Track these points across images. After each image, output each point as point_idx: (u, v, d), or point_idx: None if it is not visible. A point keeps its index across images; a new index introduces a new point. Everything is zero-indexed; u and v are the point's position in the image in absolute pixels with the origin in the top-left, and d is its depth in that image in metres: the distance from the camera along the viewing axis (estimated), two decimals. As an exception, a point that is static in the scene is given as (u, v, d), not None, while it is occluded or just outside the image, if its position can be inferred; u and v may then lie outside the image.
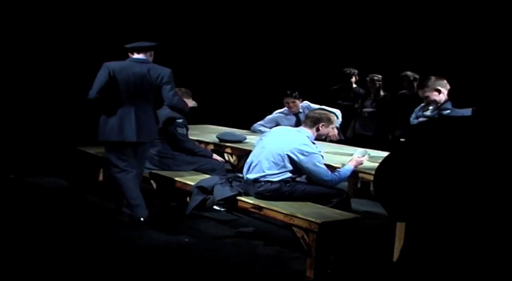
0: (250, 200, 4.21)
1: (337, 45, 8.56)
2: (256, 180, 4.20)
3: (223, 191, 4.28)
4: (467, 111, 2.04)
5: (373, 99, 6.84)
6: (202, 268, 3.91)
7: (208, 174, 5.01)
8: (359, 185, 6.15)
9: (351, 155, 4.49)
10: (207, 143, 5.84)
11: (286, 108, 6.26)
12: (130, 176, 4.66)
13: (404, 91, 6.66)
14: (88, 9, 7.58)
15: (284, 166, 4.16)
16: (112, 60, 4.65)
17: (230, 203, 4.40)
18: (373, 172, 2.08)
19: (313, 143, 4.27)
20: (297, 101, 6.18)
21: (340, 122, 5.53)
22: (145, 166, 5.08)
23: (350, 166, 4.32)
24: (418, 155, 1.87)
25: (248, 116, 6.78)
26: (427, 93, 4.47)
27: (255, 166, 4.25)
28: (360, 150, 4.52)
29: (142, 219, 4.63)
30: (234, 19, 8.88)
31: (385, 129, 6.67)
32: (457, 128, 1.88)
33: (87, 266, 3.80)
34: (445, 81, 4.45)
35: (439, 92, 4.41)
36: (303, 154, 4.12)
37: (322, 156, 4.24)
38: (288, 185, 4.17)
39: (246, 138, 5.76)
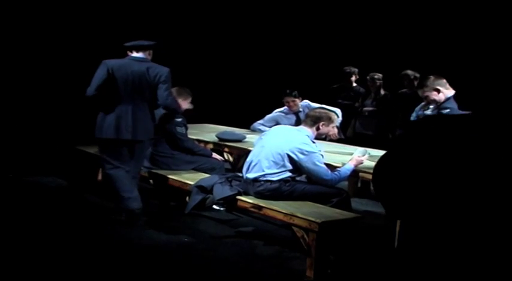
0: (249, 200, 4.20)
1: (337, 44, 8.54)
2: (255, 179, 4.19)
3: (222, 191, 4.27)
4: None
5: (374, 98, 6.82)
6: (202, 267, 3.90)
7: (207, 173, 5.00)
8: (359, 185, 6.14)
9: (351, 154, 4.48)
10: (207, 142, 5.82)
11: (286, 107, 6.25)
12: (123, 172, 4.69)
13: (404, 90, 6.65)
14: (86, 8, 7.57)
15: (284, 165, 4.14)
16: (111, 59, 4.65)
17: (230, 202, 4.39)
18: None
19: (313, 142, 4.26)
20: (297, 100, 6.17)
21: (340, 121, 5.52)
22: (145, 165, 5.08)
23: (350, 165, 4.30)
24: (414, 152, 1.87)
25: (248, 115, 6.76)
26: (427, 93, 4.46)
27: (255, 165, 4.24)
28: (360, 149, 4.50)
29: (136, 210, 4.64)
30: (233, 18, 8.87)
31: (386, 128, 6.65)
32: (452, 126, 1.88)
33: (86, 265, 3.79)
34: (444, 80, 4.44)
35: (438, 91, 4.40)
36: (302, 153, 4.10)
37: (322, 155, 4.22)
38: (287, 184, 4.15)
39: (245, 138, 5.74)
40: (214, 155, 5.49)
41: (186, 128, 5.31)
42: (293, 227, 3.87)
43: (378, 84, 6.79)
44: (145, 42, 4.79)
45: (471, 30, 7.07)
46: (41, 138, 7.04)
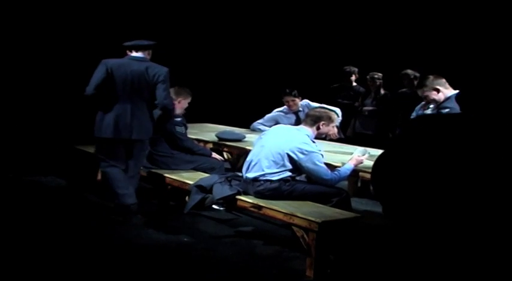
0: (249, 199, 4.19)
1: (337, 43, 8.54)
2: (255, 179, 4.18)
3: (222, 190, 4.26)
4: None
5: (374, 98, 6.82)
6: (202, 267, 3.89)
7: (207, 173, 4.99)
8: (359, 184, 6.12)
9: (351, 154, 4.47)
10: (206, 142, 5.82)
11: (285, 106, 6.24)
12: (118, 170, 4.73)
13: (404, 89, 6.64)
14: (85, 8, 7.55)
15: (284, 165, 4.13)
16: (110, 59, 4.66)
17: (229, 202, 4.38)
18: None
19: (313, 141, 4.25)
20: (297, 100, 6.16)
21: (340, 121, 5.51)
22: (144, 165, 5.08)
23: (350, 165, 4.29)
24: (411, 151, 1.87)
25: (247, 114, 6.75)
26: (426, 93, 4.46)
27: (255, 164, 4.23)
28: (360, 149, 4.50)
29: (131, 206, 4.67)
30: (233, 17, 8.86)
31: (386, 128, 6.64)
32: (448, 125, 1.88)
33: (85, 265, 3.78)
34: (444, 80, 4.44)
35: (438, 91, 4.40)
36: (302, 153, 4.09)
37: (322, 155, 4.21)
38: (287, 184, 4.15)
39: (245, 137, 5.74)
40: (214, 154, 5.48)
41: (186, 128, 5.30)
42: (293, 227, 3.86)
43: (377, 83, 6.78)
44: (145, 42, 4.80)
45: (471, 30, 7.07)
46: (41, 137, 7.03)
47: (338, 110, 5.57)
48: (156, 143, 5.10)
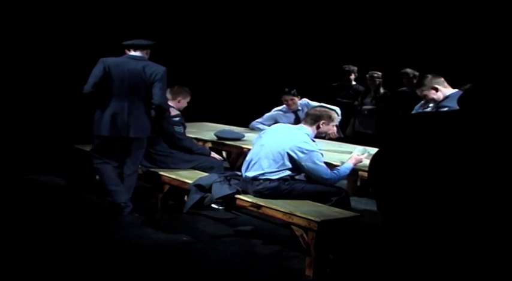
0: (248, 199, 4.18)
1: (336, 42, 8.53)
2: (255, 178, 4.17)
3: (221, 190, 4.25)
4: None
5: (373, 97, 6.81)
6: (201, 266, 3.88)
7: (206, 172, 4.98)
8: (358, 184, 6.12)
9: (350, 153, 4.46)
10: (205, 141, 5.81)
11: (284, 105, 6.23)
12: (110, 167, 4.83)
13: (403, 88, 6.64)
14: (84, 7, 7.54)
15: (283, 164, 4.13)
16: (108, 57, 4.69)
17: (228, 201, 4.37)
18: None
19: (313, 140, 4.24)
20: (296, 99, 6.14)
21: (339, 120, 5.50)
22: (143, 164, 5.08)
23: (349, 164, 4.28)
24: (406, 148, 1.87)
25: (246, 113, 6.74)
26: (425, 92, 4.46)
27: (254, 163, 4.22)
28: (360, 148, 4.49)
29: (122, 203, 4.74)
30: (232, 16, 8.84)
31: (385, 127, 6.63)
32: (443, 122, 1.88)
33: (85, 265, 3.77)
34: (442, 79, 4.43)
35: (437, 90, 4.39)
36: (302, 152, 4.09)
37: (321, 154, 4.21)
38: (286, 183, 4.14)
39: (244, 136, 5.72)
40: (213, 154, 5.48)
41: (185, 127, 5.30)
42: (292, 226, 3.86)
43: (377, 82, 6.78)
44: (144, 42, 4.83)
45: (470, 29, 7.06)
46: (39, 136, 7.03)
47: (337, 109, 5.56)
48: (154, 142, 5.09)
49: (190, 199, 4.39)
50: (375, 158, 2.00)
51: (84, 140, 5.77)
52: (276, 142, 4.17)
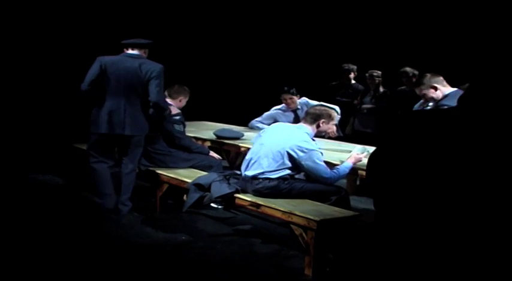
0: (248, 198, 4.17)
1: (336, 41, 8.52)
2: (254, 177, 4.16)
3: (220, 189, 4.24)
4: None
5: (373, 96, 6.80)
6: (200, 266, 3.87)
7: (205, 171, 4.97)
8: (358, 183, 6.11)
9: (350, 152, 4.45)
10: (204, 140, 5.79)
11: (284, 104, 6.22)
12: (105, 167, 4.83)
13: (403, 87, 6.63)
14: (82, 6, 7.53)
15: (283, 163, 4.12)
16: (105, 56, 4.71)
17: (228, 200, 4.36)
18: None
19: (313, 139, 4.23)
20: (295, 98, 6.13)
21: (339, 119, 5.48)
22: (142, 163, 5.07)
23: (349, 163, 4.27)
24: (406, 145, 1.87)
25: (246, 112, 6.73)
26: (424, 91, 4.45)
27: (254, 162, 4.21)
28: (359, 147, 4.48)
29: (108, 210, 4.79)
30: (231, 15, 8.83)
31: (385, 126, 6.62)
32: (440, 119, 1.87)
33: (84, 264, 3.76)
34: (441, 77, 4.42)
35: (436, 89, 4.39)
36: (302, 151, 4.08)
37: (321, 153, 4.20)
38: (286, 182, 4.13)
39: (243, 135, 5.71)
40: (212, 153, 5.47)
41: (184, 126, 5.29)
42: (291, 225, 3.85)
43: (376, 81, 6.77)
44: (143, 41, 4.84)
45: (469, 28, 7.05)
46: (38, 136, 7.01)
47: (337, 108, 5.55)
48: (153, 141, 5.08)
49: (190, 198, 4.37)
50: (372, 156, 2.00)
51: (83, 139, 5.76)
52: (276, 141, 4.16)
